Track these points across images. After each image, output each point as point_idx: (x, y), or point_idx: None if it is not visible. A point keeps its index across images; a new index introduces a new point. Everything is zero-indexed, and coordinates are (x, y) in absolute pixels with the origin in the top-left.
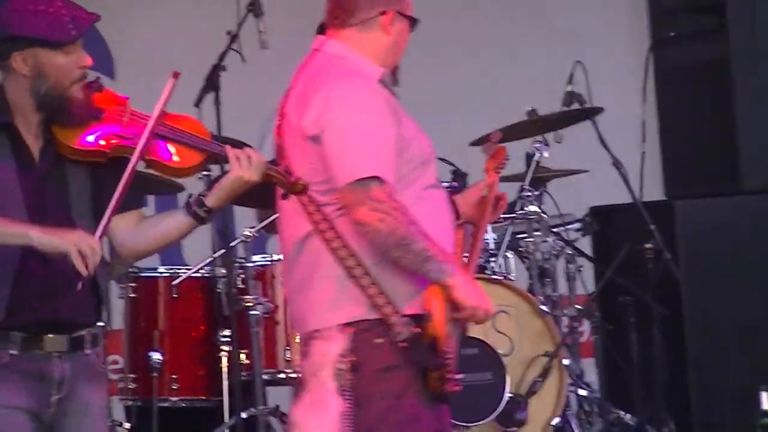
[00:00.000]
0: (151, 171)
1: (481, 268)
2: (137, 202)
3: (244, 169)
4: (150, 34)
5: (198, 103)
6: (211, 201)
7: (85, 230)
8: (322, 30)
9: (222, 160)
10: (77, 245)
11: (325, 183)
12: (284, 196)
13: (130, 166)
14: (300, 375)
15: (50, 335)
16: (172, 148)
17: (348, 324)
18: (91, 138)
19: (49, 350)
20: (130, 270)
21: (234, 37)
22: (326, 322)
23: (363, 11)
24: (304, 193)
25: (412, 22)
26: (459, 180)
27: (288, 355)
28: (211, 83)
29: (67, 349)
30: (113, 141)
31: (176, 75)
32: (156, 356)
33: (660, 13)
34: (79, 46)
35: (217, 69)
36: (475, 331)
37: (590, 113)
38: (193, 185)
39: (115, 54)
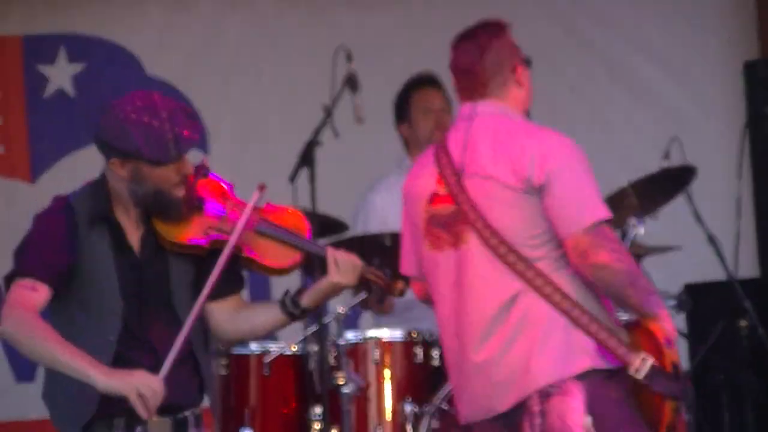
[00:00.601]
0: (246, 267)
1: None
2: (235, 287)
3: (342, 274)
4: (245, 107)
5: (293, 178)
6: (305, 301)
7: (183, 316)
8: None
9: (319, 261)
10: (138, 389)
11: (539, 236)
12: (379, 301)
13: (219, 262)
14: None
15: (155, 418)
16: (269, 247)
17: (580, 376)
18: (190, 234)
19: None
20: (221, 346)
21: (329, 112)
22: (560, 374)
23: (497, 77)
24: (402, 294)
25: (528, 62)
26: None
27: None
28: (306, 158)
29: (171, 431)
30: (213, 235)
31: (262, 188)
32: None
33: (757, 88)
34: (183, 163)
35: (312, 144)
36: None
37: (684, 179)
38: None
39: (209, 128)
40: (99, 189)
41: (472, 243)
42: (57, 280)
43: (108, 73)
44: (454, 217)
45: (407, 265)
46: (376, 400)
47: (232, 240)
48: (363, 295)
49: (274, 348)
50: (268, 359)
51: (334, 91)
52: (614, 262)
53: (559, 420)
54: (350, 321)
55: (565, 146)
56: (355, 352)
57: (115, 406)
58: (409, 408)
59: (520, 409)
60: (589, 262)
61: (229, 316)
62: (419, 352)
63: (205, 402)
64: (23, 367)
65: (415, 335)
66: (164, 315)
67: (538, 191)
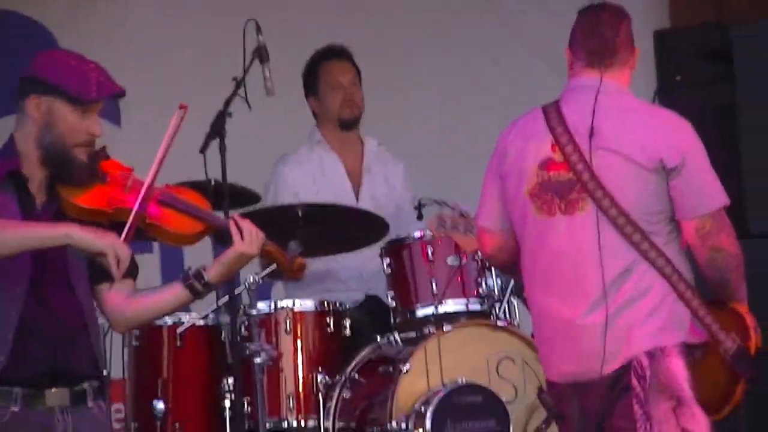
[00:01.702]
0: (149, 235)
1: (486, 315)
2: (130, 271)
3: (246, 244)
4: (156, 81)
5: (203, 150)
6: (210, 275)
7: (79, 290)
8: None
9: (223, 232)
10: (114, 248)
11: (657, 213)
12: (279, 275)
13: (129, 220)
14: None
15: (52, 390)
16: (172, 215)
17: (673, 346)
18: (93, 198)
19: (52, 405)
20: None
21: (239, 84)
22: (657, 342)
23: (625, 51)
24: (301, 273)
25: None
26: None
27: (292, 403)
28: (216, 129)
29: (69, 403)
30: (115, 203)
31: (183, 107)
32: (159, 405)
33: (667, 58)
34: (95, 113)
35: (222, 115)
36: (479, 378)
37: None
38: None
39: (122, 100)
40: (8, 149)
41: (589, 211)
42: None
43: (21, 46)
44: (569, 185)
45: (485, 216)
46: (288, 371)
47: (142, 192)
48: (273, 266)
49: (187, 319)
50: (180, 330)
51: (244, 63)
52: (730, 246)
53: (666, 376)
54: (262, 291)
55: (689, 130)
56: (267, 322)
57: (17, 370)
58: (320, 378)
59: (625, 369)
60: (709, 244)
61: (124, 300)
62: (331, 322)
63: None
64: None
65: (326, 305)
66: (63, 282)
67: (669, 172)
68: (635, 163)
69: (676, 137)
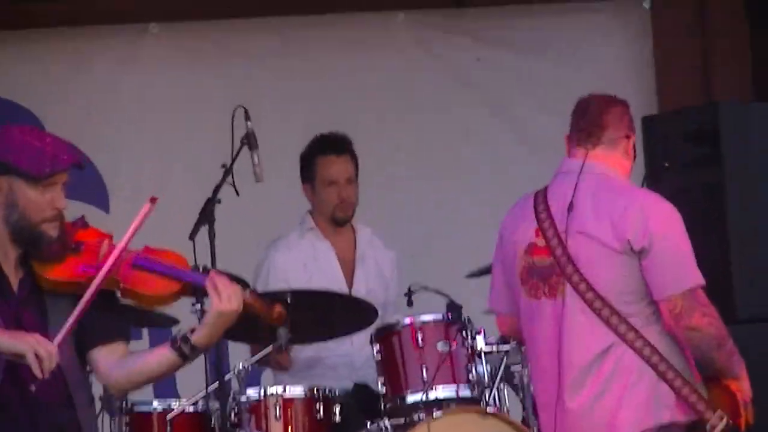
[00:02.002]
0: (128, 300)
1: (475, 401)
2: (122, 335)
3: (224, 302)
4: (145, 168)
5: (192, 236)
6: (196, 338)
7: (62, 355)
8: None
9: (200, 291)
10: (34, 348)
11: (633, 293)
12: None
13: (94, 283)
14: None
15: None
16: (148, 277)
17: (662, 428)
18: (66, 270)
19: None
20: (124, 403)
21: (228, 171)
22: (643, 425)
23: (613, 129)
24: (281, 319)
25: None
26: (453, 311)
27: None
28: (206, 216)
29: None
30: (90, 271)
31: (153, 200)
32: None
33: (654, 142)
34: (57, 185)
35: (211, 202)
36: None
37: None
38: (186, 318)
39: (109, 186)
40: None
41: (569, 295)
42: None
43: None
44: (550, 270)
45: (496, 300)
46: None
47: (106, 266)
48: (265, 350)
49: (176, 405)
50: (170, 416)
51: (233, 150)
52: (706, 326)
53: None
54: (252, 377)
55: (665, 211)
56: (257, 408)
57: None
58: None
59: None
60: (683, 324)
61: (116, 363)
62: (321, 408)
63: None
64: None
65: (316, 392)
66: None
67: (638, 253)
68: (608, 246)
69: (646, 219)
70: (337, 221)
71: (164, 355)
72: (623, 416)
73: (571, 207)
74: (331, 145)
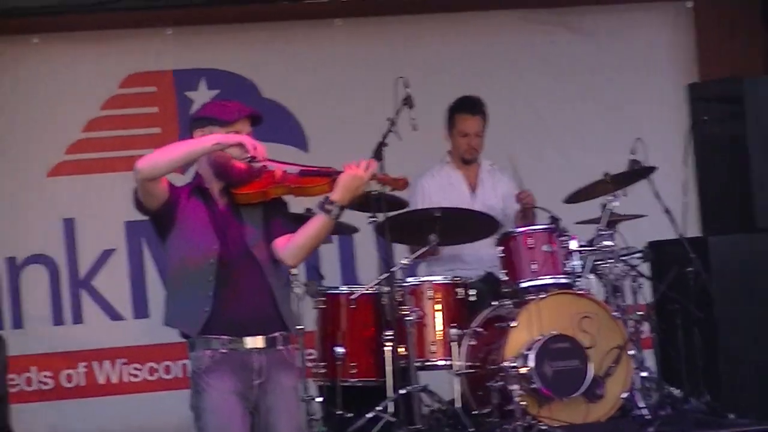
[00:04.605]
0: (300, 195)
1: (570, 285)
2: (292, 228)
3: (358, 168)
4: (337, 117)
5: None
6: (334, 197)
7: (261, 260)
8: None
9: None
10: (248, 138)
11: None
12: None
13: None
14: None
15: (249, 337)
16: (307, 180)
17: None
18: (253, 186)
19: (250, 347)
20: (320, 288)
21: (393, 123)
22: None
23: None
24: (405, 185)
25: None
26: (554, 223)
27: (433, 349)
28: (377, 155)
29: (263, 346)
30: (269, 185)
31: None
32: (340, 350)
33: (697, 103)
34: (245, 129)
35: (381, 145)
36: (566, 330)
37: (647, 172)
38: (364, 229)
39: (308, 132)
40: (196, 174)
41: None
42: (169, 199)
43: (235, 97)
44: None
45: None
46: (430, 326)
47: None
48: (421, 250)
49: (358, 289)
50: (353, 296)
51: (396, 107)
52: None
53: None
54: (411, 270)
55: None
56: (415, 291)
57: (219, 329)
58: (453, 331)
59: None
60: None
61: (288, 239)
62: (460, 291)
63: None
64: (140, 307)
65: (457, 279)
66: (246, 257)
67: None
68: None
69: None
70: (464, 161)
71: (316, 219)
72: None
73: None
74: (467, 106)
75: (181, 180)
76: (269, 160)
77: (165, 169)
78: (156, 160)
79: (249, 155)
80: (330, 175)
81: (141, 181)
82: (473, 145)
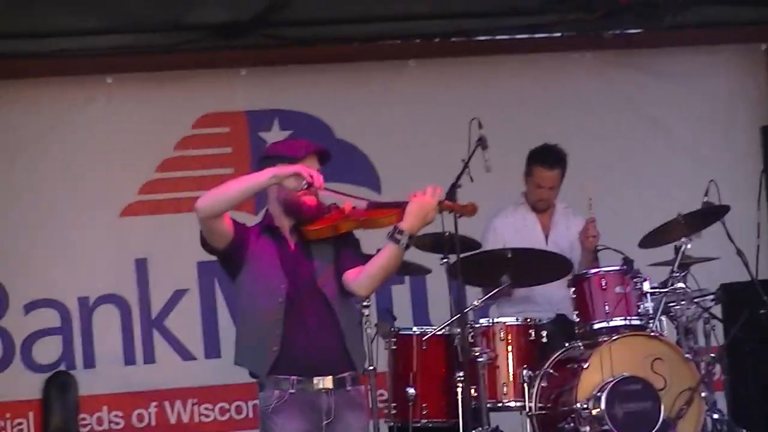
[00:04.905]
0: (368, 227)
1: (643, 327)
2: (363, 259)
3: (425, 195)
4: (410, 158)
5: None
6: (403, 226)
7: (325, 283)
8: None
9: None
10: (304, 167)
11: None
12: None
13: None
14: None
15: (317, 377)
16: (376, 212)
17: None
18: (323, 221)
19: (318, 388)
20: (392, 329)
21: (466, 164)
22: None
23: None
24: (474, 211)
25: None
26: (627, 264)
27: (505, 390)
28: (450, 195)
29: (332, 386)
30: (338, 218)
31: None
32: (411, 390)
33: None
34: (313, 165)
35: (454, 186)
36: (638, 372)
37: (721, 212)
38: (437, 270)
39: (381, 173)
40: (266, 213)
41: None
42: (235, 238)
43: (308, 137)
44: None
45: None
46: (503, 367)
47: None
48: (493, 291)
49: (430, 330)
50: (425, 338)
51: (470, 149)
52: None
53: None
54: (483, 311)
55: None
56: (487, 332)
57: (287, 370)
58: (525, 373)
59: None
60: None
61: (359, 272)
62: (532, 332)
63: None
64: (211, 347)
65: (529, 321)
66: (315, 296)
67: None
68: None
69: None
70: (536, 210)
71: (386, 249)
72: None
73: None
74: (546, 159)
75: (251, 220)
76: (337, 193)
77: (224, 205)
78: (215, 197)
79: (305, 182)
80: (398, 206)
81: (202, 219)
82: (545, 198)
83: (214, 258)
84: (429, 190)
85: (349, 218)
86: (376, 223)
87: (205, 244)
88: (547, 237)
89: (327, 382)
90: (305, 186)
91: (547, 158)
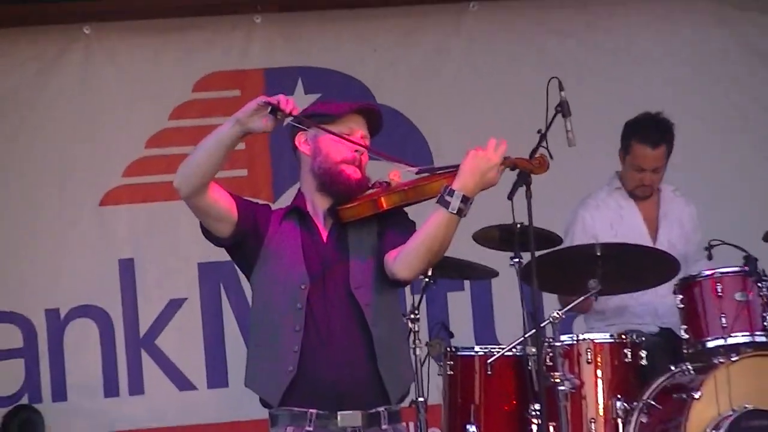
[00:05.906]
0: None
1: None
2: (410, 231)
3: (485, 150)
4: (468, 127)
5: (511, 196)
6: (455, 183)
7: (360, 288)
8: None
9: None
10: (263, 97)
11: None
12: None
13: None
14: None
15: (343, 412)
16: (421, 181)
17: None
18: (363, 197)
19: (344, 426)
20: (448, 349)
21: (543, 136)
22: None
23: None
24: (541, 167)
25: None
26: (750, 264)
27: (593, 428)
28: (523, 178)
29: (361, 424)
30: (380, 193)
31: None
32: (472, 429)
33: None
34: (358, 126)
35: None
36: (765, 403)
37: None
38: (505, 271)
39: (433, 145)
40: (298, 194)
41: None
42: (241, 221)
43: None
44: None
45: None
46: (590, 398)
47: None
48: (577, 300)
49: (496, 349)
50: (491, 360)
51: (547, 117)
52: None
53: None
54: (564, 325)
55: None
56: (570, 353)
57: (300, 399)
58: (619, 404)
59: None
60: None
61: (401, 248)
62: (628, 352)
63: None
64: (216, 373)
65: (624, 337)
66: (343, 293)
67: None
68: None
69: None
70: (635, 197)
71: (434, 216)
72: None
73: None
74: (649, 135)
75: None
76: (375, 152)
77: (197, 173)
78: (183, 167)
79: (270, 108)
80: (455, 168)
81: (186, 200)
82: (648, 182)
83: (218, 258)
84: (492, 143)
85: (393, 190)
86: (426, 191)
87: (208, 234)
88: (656, 233)
89: (355, 418)
90: (270, 112)
91: (650, 133)
